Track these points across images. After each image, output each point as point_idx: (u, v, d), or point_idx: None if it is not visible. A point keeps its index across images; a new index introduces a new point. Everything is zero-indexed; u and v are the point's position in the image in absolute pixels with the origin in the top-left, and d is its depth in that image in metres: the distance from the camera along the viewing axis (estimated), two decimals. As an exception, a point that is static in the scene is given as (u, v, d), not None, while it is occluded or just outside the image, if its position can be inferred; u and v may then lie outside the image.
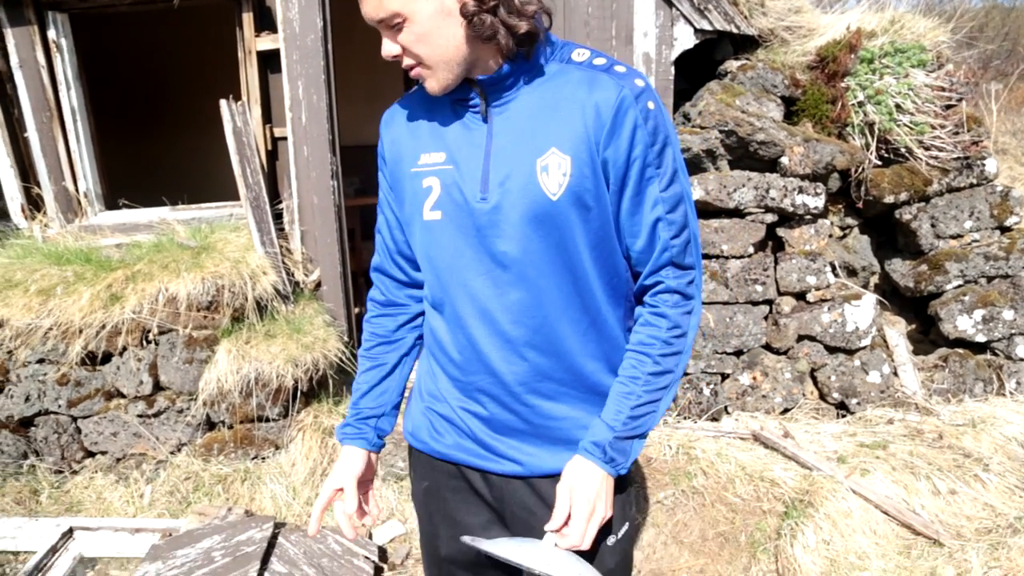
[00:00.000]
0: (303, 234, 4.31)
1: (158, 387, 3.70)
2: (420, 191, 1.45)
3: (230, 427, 3.70)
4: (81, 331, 3.57)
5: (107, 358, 3.70)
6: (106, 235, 4.31)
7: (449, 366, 1.53)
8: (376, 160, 1.59)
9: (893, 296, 4.72)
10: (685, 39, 4.29)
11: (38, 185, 4.39)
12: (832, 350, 4.10)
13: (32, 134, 4.28)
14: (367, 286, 5.58)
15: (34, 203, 4.43)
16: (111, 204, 4.55)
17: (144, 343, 3.67)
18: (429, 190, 1.43)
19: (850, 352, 4.10)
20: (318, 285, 4.36)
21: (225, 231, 4.08)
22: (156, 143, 6.33)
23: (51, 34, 4.14)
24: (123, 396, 3.69)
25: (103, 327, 3.59)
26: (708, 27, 4.26)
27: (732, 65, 4.40)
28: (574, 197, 1.34)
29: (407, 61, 1.34)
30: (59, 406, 3.65)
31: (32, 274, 3.68)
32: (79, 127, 4.32)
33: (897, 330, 4.49)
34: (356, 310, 4.67)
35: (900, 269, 4.52)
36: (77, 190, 4.40)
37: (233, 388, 3.57)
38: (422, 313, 1.66)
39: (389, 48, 1.33)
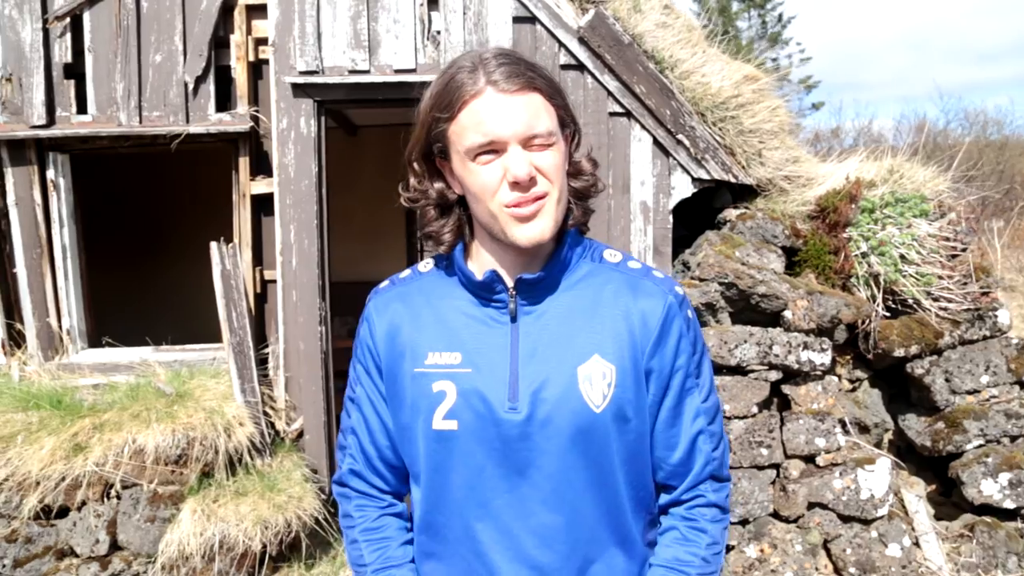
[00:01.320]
0: (287, 381, 4.15)
1: (115, 547, 3.44)
2: (428, 396, 1.27)
3: (188, 595, 3.40)
4: (38, 483, 3.36)
5: (63, 512, 3.46)
6: (85, 374, 4.17)
7: None
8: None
9: (909, 453, 4.44)
10: (683, 188, 4.25)
11: (21, 321, 4.29)
12: (846, 519, 3.79)
13: (20, 270, 4.23)
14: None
15: (15, 339, 4.32)
16: (95, 341, 4.43)
17: (105, 498, 3.44)
18: (442, 395, 1.26)
19: (866, 522, 3.79)
20: (300, 435, 4.15)
21: (205, 376, 3.92)
22: (149, 277, 6.31)
23: (50, 174, 4.16)
24: (76, 555, 3.43)
25: (63, 479, 3.38)
26: (706, 176, 4.23)
27: (731, 214, 4.34)
28: (617, 409, 1.25)
29: (539, 188, 1.19)
30: (3, 566, 3.38)
31: (-5, 420, 3.51)
32: (68, 264, 4.26)
33: (916, 493, 4.18)
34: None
35: (915, 426, 4.27)
36: (60, 327, 4.29)
37: (195, 552, 3.30)
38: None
39: (527, 167, 1.17)
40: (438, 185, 1.28)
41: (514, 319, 1.26)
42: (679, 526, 1.34)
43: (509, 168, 1.16)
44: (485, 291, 1.27)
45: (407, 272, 1.40)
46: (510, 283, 1.27)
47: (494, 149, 1.17)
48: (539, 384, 1.23)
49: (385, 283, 1.40)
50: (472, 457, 1.25)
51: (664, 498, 1.37)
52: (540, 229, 1.20)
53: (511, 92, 1.16)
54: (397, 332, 1.31)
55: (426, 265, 1.39)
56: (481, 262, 1.30)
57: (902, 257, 4.20)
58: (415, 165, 1.29)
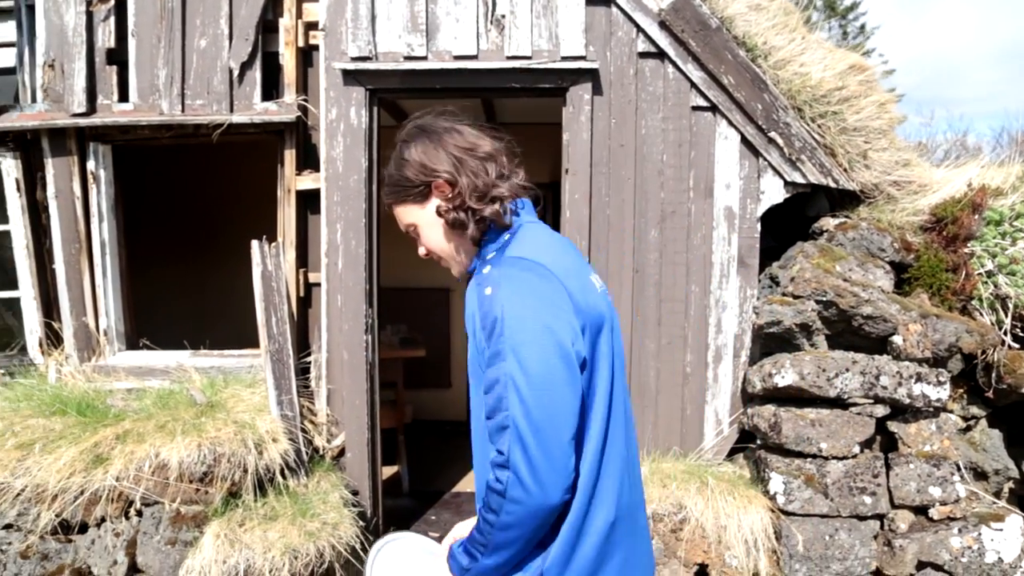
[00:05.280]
0: (330, 393, 3.82)
1: (134, 568, 3.14)
2: None
3: (208, 629, 3.08)
4: (56, 496, 3.09)
5: (83, 528, 3.19)
6: (120, 377, 3.93)
7: None
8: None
9: (1035, 505, 3.82)
10: (774, 192, 3.76)
11: (59, 319, 4.09)
12: (964, 583, 3.23)
13: (59, 266, 4.02)
14: (406, 443, 5.02)
15: (53, 339, 4.12)
16: (134, 343, 4.19)
17: (126, 515, 3.15)
18: None
19: (989, 588, 3.21)
20: (341, 452, 3.81)
21: (241, 385, 3.63)
22: (197, 276, 6.09)
23: (90, 165, 3.94)
24: (92, 578, 3.15)
25: (82, 492, 3.10)
26: (801, 180, 3.73)
27: (829, 223, 3.82)
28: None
29: (435, 256, 1.67)
30: (19, 585, 3.13)
31: (15, 423, 3.27)
32: (107, 261, 4.03)
33: (1044, 553, 3.56)
34: (385, 476, 4.07)
35: (1045, 475, 3.66)
36: (98, 327, 4.06)
37: (216, 582, 2.97)
38: None
39: (420, 248, 1.67)
40: None
41: None
42: None
43: None
44: None
45: None
46: None
47: None
48: None
49: None
50: None
51: None
52: (456, 273, 1.68)
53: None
54: None
55: None
56: None
57: (1035, 277, 3.60)
58: None
